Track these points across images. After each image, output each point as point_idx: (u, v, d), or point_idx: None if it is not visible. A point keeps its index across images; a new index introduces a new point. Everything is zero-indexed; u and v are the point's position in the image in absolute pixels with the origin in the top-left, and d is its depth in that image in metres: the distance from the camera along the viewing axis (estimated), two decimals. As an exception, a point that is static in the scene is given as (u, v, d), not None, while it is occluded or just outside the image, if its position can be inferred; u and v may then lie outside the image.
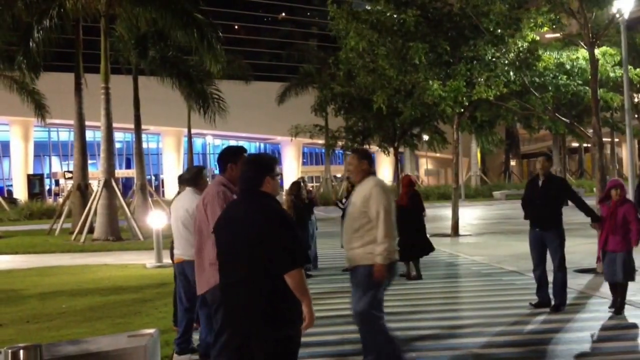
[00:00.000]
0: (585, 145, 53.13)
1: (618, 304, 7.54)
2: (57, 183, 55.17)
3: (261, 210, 3.65)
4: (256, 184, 3.71)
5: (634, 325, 7.06)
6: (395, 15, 16.67)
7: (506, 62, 16.68)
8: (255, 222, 3.59)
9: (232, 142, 61.46)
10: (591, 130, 16.31)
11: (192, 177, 6.25)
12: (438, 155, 57.68)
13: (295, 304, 3.62)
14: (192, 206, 5.97)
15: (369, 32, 16.88)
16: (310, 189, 12.51)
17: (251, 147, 64.22)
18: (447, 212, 21.58)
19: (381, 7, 16.80)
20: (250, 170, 3.75)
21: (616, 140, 47.28)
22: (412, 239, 10.61)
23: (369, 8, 17.82)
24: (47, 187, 52.84)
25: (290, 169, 62.19)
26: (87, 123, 22.91)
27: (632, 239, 7.47)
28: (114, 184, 19.42)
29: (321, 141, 40.85)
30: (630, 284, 7.72)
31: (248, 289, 3.58)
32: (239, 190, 3.86)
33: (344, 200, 12.01)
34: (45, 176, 53.51)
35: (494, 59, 16.71)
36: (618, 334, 6.75)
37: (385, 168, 65.75)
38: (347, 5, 17.62)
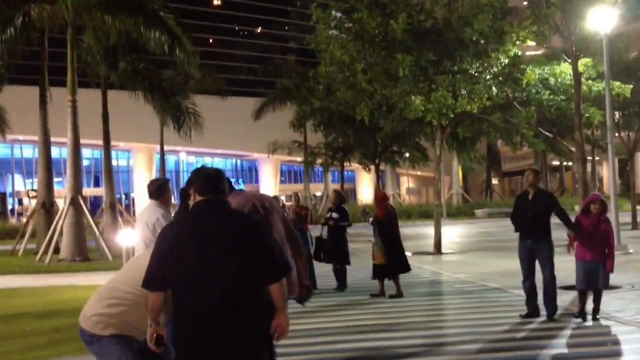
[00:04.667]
0: (566, 163, 53.37)
1: (593, 310, 7.99)
2: (20, 202, 53.92)
3: (245, 220, 3.61)
4: (226, 196, 3.62)
5: (617, 341, 7.17)
6: (379, 19, 16.45)
7: (489, 76, 16.63)
8: (242, 233, 3.45)
9: (207, 159, 60.58)
10: (573, 149, 16.15)
11: (156, 190, 5.86)
12: (419, 173, 57.63)
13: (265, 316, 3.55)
14: (151, 220, 5.61)
15: (352, 44, 16.68)
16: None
17: (227, 164, 63.44)
18: (429, 230, 21.85)
19: (364, 17, 16.52)
20: (223, 182, 3.62)
21: (597, 158, 47.50)
22: (389, 255, 10.37)
23: (350, 18, 17.51)
24: (9, 207, 52.07)
25: (268, 187, 61.42)
26: (52, 139, 22.40)
27: (610, 264, 7.91)
28: (81, 201, 18.82)
29: (300, 158, 40.30)
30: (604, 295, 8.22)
31: (228, 308, 3.34)
32: (203, 201, 3.54)
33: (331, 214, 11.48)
34: (7, 195, 52.55)
35: (476, 73, 16.64)
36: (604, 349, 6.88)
37: (365, 186, 65.36)
38: (329, 14, 17.49)
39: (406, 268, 10.65)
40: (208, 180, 3.55)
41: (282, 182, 66.11)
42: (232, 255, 3.37)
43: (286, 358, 6.43)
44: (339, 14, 18.49)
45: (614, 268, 7.98)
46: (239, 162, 66.27)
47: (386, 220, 10.48)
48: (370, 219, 10.84)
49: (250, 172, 66.48)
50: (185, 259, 3.39)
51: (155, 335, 3.59)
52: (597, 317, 7.97)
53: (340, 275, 11.40)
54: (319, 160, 35.91)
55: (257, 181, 64.36)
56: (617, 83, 18.57)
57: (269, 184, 62.74)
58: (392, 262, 10.39)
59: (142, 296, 4.04)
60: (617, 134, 25.14)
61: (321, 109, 27.57)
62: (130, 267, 4.27)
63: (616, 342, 7.05)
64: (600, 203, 7.97)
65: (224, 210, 3.53)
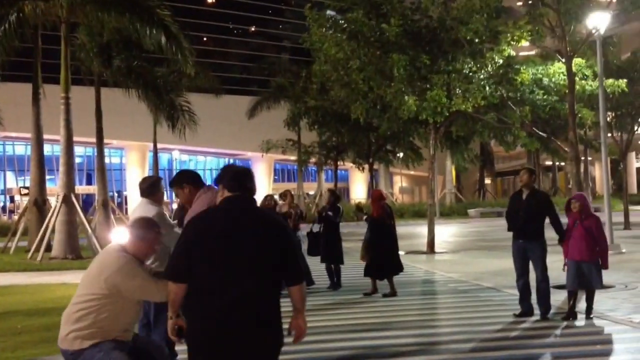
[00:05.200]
0: (558, 163, 53.50)
1: (586, 309, 8.00)
2: (12, 200, 53.55)
3: (271, 221, 3.57)
4: (253, 194, 3.61)
5: (609, 340, 7.17)
6: (373, 22, 16.40)
7: (482, 76, 16.60)
8: (265, 232, 3.45)
9: (200, 158, 60.38)
10: (567, 149, 16.13)
11: (148, 187, 5.85)
12: (412, 172, 57.60)
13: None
14: None
15: (346, 43, 16.62)
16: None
17: (220, 163, 63.17)
18: (422, 229, 21.74)
19: (359, 16, 16.46)
20: (252, 181, 3.61)
21: (589, 158, 47.66)
22: (385, 256, 10.33)
23: (345, 18, 17.45)
24: (1, 204, 51.66)
25: (261, 186, 61.22)
26: (45, 137, 22.24)
27: (603, 261, 7.91)
28: (73, 199, 18.62)
29: (294, 157, 40.18)
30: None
31: (249, 307, 3.33)
32: (232, 197, 3.54)
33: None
34: (-1, 192, 52.05)
35: (471, 73, 16.61)
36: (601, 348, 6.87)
37: (358, 185, 65.35)
38: (323, 15, 17.40)
39: (399, 269, 10.61)
40: (236, 178, 3.57)
41: (275, 180, 66.00)
42: (255, 255, 3.36)
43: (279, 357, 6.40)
44: (333, 13, 18.42)
45: (608, 265, 8.02)
46: (232, 160, 66.02)
47: (381, 219, 10.41)
48: (365, 217, 10.80)
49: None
50: (208, 253, 3.37)
51: (176, 327, 3.56)
52: (590, 316, 7.97)
53: (334, 274, 11.38)
54: (313, 159, 35.82)
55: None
56: (610, 80, 18.61)
57: (262, 183, 62.57)
58: (378, 263, 10.35)
59: (106, 294, 4.05)
60: (609, 134, 25.29)
61: (315, 107, 27.44)
62: (85, 274, 4.28)
63: (609, 341, 7.05)
64: (579, 201, 7.97)
65: (250, 209, 3.53)
